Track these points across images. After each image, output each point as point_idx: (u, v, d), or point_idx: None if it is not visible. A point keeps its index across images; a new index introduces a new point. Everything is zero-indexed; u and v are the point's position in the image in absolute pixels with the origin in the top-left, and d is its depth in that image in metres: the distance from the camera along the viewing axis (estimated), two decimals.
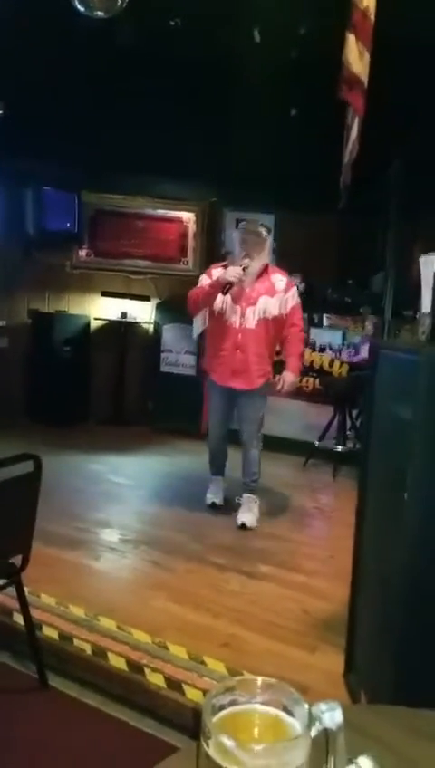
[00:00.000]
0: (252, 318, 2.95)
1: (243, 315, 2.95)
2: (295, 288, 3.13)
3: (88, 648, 1.92)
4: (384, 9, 2.13)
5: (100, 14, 2.74)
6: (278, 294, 2.98)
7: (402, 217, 4.45)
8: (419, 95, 3.38)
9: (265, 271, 3.01)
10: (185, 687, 1.75)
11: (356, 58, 2.13)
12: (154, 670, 1.82)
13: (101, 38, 3.00)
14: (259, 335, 2.96)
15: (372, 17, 2.11)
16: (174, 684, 1.76)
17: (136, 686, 1.78)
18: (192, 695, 1.72)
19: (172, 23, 3.30)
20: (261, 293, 2.97)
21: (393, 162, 4.21)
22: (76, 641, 1.95)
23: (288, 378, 3.05)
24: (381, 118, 2.32)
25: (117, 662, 1.86)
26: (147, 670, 1.82)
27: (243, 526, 3.01)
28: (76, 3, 2.68)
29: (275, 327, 3.01)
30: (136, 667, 1.83)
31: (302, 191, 4.33)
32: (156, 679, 1.79)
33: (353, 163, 2.39)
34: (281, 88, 3.55)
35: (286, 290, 3.03)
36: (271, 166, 4.11)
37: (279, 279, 3.03)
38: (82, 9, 2.71)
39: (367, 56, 2.14)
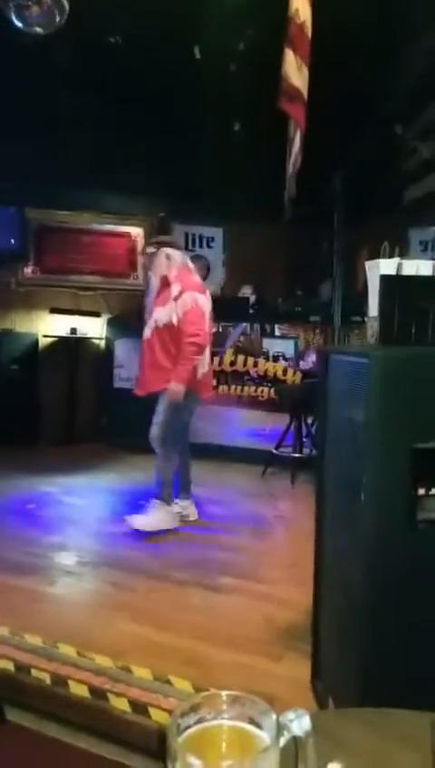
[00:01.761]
0: (148, 329, 3.15)
1: (146, 327, 3.18)
2: (189, 294, 3.01)
3: (47, 678, 1.82)
4: (321, 24, 2.20)
5: (38, 30, 2.71)
6: (169, 303, 3.06)
7: (346, 227, 4.61)
8: (358, 109, 3.52)
9: (164, 283, 3.12)
10: (151, 710, 1.69)
11: (295, 72, 2.19)
12: (118, 695, 1.75)
13: (42, 53, 2.97)
14: (153, 345, 3.11)
15: (309, 32, 2.18)
16: (139, 707, 1.70)
17: (99, 712, 1.71)
18: (158, 716, 1.67)
19: (112, 40, 3.31)
20: (157, 305, 3.13)
21: (336, 173, 4.37)
22: (34, 672, 1.85)
23: (169, 386, 3.02)
24: (322, 131, 2.40)
25: (79, 689, 1.78)
26: (110, 695, 1.75)
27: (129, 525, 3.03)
28: (14, 19, 2.65)
29: (170, 335, 3.06)
30: (99, 693, 1.76)
31: (249, 203, 4.41)
32: (120, 704, 1.72)
33: (298, 175, 2.45)
34: (224, 103, 3.62)
35: (177, 297, 3.03)
36: (217, 179, 4.17)
37: (175, 288, 3.06)
38: (19, 25, 2.68)
39: (305, 70, 2.21)
